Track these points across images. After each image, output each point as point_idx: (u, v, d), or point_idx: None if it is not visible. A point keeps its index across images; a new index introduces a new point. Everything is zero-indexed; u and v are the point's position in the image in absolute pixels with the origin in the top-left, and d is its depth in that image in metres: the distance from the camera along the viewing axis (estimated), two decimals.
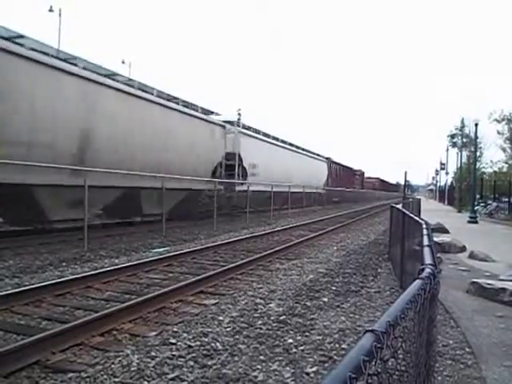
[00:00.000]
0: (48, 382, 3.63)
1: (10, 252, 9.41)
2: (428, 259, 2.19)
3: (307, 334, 5.02)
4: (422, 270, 1.84)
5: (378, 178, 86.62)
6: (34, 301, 5.89)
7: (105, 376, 3.75)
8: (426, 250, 2.60)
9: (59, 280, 6.77)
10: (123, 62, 42.79)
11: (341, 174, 49.63)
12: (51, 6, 29.84)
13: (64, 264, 8.55)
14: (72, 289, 6.53)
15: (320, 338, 4.89)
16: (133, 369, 3.90)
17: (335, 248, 12.27)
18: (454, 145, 44.15)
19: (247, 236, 13.61)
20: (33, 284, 6.58)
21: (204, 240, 12.89)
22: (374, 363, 1.02)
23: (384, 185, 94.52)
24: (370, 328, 1.09)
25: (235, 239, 12.70)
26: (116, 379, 3.70)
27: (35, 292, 6.06)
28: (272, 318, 5.56)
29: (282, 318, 5.57)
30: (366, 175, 73.19)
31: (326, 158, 44.21)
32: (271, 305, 6.15)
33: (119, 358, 4.11)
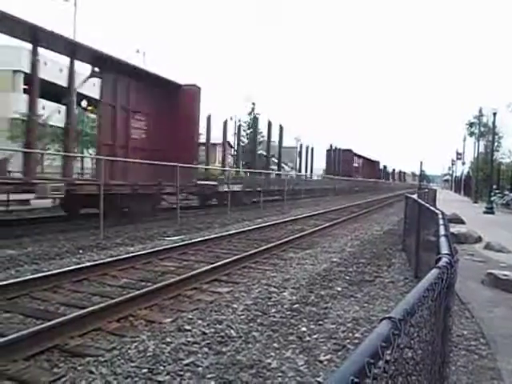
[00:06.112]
0: (67, 365, 3.72)
1: (29, 239, 9.61)
2: (445, 249, 2.18)
3: (321, 322, 5.04)
4: (439, 259, 1.83)
5: None
6: (53, 287, 6.02)
7: (122, 360, 3.83)
8: (443, 240, 2.58)
9: (76, 267, 6.90)
10: (138, 51, 42.79)
11: None
12: None
13: (81, 251, 8.70)
14: (89, 275, 6.65)
15: (333, 326, 4.91)
16: (149, 354, 3.97)
17: (349, 238, 12.23)
18: (472, 134, 43.46)
19: (261, 225, 13.65)
20: (51, 270, 6.72)
21: (218, 229, 12.96)
22: (390, 350, 1.02)
23: None
24: (388, 315, 1.10)
25: (249, 228, 12.75)
26: (132, 364, 3.78)
27: (53, 278, 6.20)
28: (285, 306, 5.59)
29: (295, 306, 5.60)
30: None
31: None
32: (285, 293, 6.18)
33: (135, 344, 4.19)
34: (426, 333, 1.52)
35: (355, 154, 53.33)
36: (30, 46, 11.58)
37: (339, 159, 46.62)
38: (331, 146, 47.40)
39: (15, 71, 24.30)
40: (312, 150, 43.90)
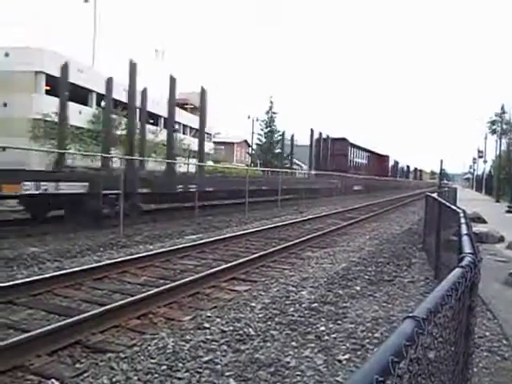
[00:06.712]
0: (89, 361, 3.79)
1: (51, 237, 9.79)
2: (467, 248, 2.14)
3: (339, 321, 5.01)
4: (462, 258, 1.80)
5: None
6: (74, 284, 6.13)
7: (142, 357, 3.88)
8: (465, 239, 2.54)
9: (97, 264, 7.01)
10: (156, 51, 43.11)
11: None
12: None
13: (101, 249, 8.83)
14: (109, 273, 6.74)
15: (352, 326, 4.88)
16: (168, 351, 4.01)
17: (367, 237, 12.13)
18: (494, 132, 42.58)
19: (279, 224, 13.63)
20: (72, 268, 6.83)
21: (236, 227, 13.00)
22: (414, 349, 1.01)
23: None
24: (411, 314, 1.09)
25: (267, 227, 12.75)
26: (152, 360, 3.82)
27: (75, 275, 6.31)
28: (304, 305, 5.58)
29: (313, 305, 5.58)
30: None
31: None
32: (303, 292, 6.16)
33: (155, 341, 4.23)
34: (449, 333, 1.50)
35: (352, 145, 43.09)
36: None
37: (329, 151, 37.78)
38: (312, 131, 35.80)
39: (37, 72, 24.65)
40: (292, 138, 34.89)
